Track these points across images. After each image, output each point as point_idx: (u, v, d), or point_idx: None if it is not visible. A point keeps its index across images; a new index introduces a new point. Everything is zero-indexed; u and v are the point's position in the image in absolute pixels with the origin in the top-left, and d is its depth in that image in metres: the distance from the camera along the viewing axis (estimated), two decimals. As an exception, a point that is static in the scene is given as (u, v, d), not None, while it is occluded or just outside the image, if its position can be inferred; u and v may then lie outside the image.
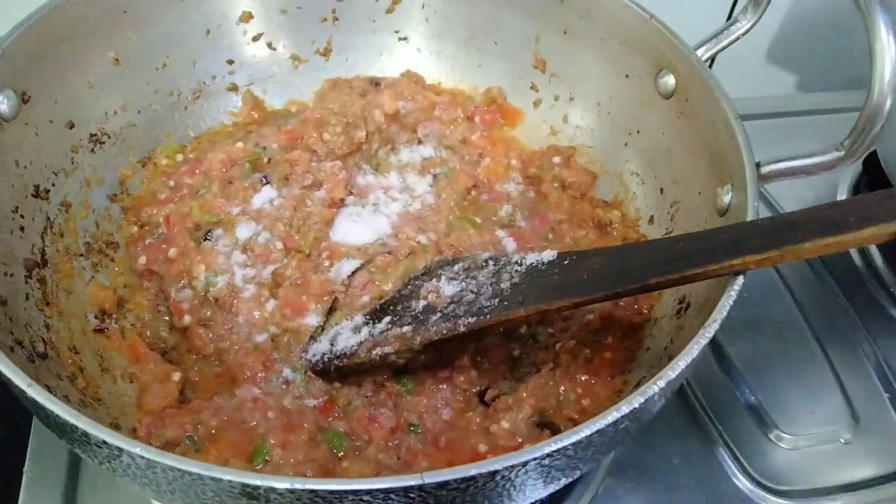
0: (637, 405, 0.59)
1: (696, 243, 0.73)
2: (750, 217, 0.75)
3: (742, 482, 0.98)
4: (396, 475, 0.75)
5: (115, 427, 0.78)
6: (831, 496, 0.98)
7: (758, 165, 0.80)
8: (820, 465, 1.00)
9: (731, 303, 0.67)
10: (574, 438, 0.56)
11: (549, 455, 0.56)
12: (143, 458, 0.54)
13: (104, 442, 0.55)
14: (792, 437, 1.02)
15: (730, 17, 1.40)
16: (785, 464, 1.00)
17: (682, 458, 1.00)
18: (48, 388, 0.70)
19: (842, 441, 1.02)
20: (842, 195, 1.32)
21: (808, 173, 0.80)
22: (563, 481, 0.65)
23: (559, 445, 0.56)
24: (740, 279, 0.69)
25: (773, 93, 1.66)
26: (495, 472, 0.55)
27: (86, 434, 0.55)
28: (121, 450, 0.55)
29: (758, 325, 1.13)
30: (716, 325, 0.65)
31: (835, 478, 0.99)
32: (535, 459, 0.56)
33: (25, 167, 0.87)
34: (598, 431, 0.58)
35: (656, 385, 0.61)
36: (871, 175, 1.31)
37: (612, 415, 0.58)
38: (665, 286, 0.71)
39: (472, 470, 0.54)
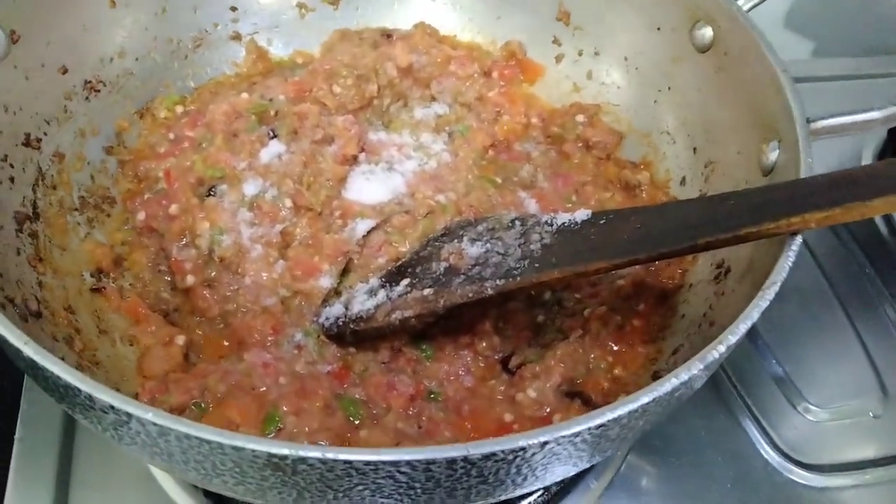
0: (697, 371, 0.54)
1: (749, 200, 0.68)
2: (803, 174, 0.70)
3: (770, 455, 0.94)
4: (418, 445, 0.71)
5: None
6: (860, 470, 0.95)
7: (808, 121, 0.75)
8: (848, 439, 0.97)
9: (790, 264, 0.62)
10: (630, 407, 0.52)
11: (601, 425, 0.51)
12: (155, 424, 0.48)
13: (111, 407, 0.49)
14: (820, 409, 0.99)
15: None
16: (813, 437, 0.97)
17: (709, 430, 0.96)
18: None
19: (871, 414, 0.99)
20: (866, 160, 1.27)
21: (862, 129, 0.75)
22: (609, 453, 0.60)
23: (614, 415, 0.51)
24: (798, 239, 0.64)
25: (790, 58, 1.60)
26: (545, 443, 0.50)
27: (90, 398, 0.49)
28: (130, 415, 0.49)
29: (784, 294, 1.07)
30: (775, 288, 0.61)
31: (863, 452, 0.96)
32: (587, 429, 0.51)
33: (14, 113, 0.80)
34: (654, 400, 0.53)
35: (716, 350, 0.56)
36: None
37: (670, 381, 0.53)
38: (715, 246, 0.66)
39: (520, 440, 0.49)
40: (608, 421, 0.51)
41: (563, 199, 0.97)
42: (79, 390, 0.50)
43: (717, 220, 0.67)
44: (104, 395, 0.49)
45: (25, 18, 0.80)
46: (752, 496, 0.90)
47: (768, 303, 0.60)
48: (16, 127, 0.81)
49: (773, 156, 0.78)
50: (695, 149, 0.94)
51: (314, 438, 0.71)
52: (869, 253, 1.15)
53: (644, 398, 0.52)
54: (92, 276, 0.83)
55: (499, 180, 0.98)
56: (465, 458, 0.48)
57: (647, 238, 0.70)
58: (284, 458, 0.48)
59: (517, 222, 0.82)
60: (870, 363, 1.03)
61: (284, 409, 0.73)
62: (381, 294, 0.81)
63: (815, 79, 1.45)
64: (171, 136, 0.95)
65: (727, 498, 0.90)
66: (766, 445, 0.95)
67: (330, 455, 0.47)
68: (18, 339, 0.52)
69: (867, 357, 1.04)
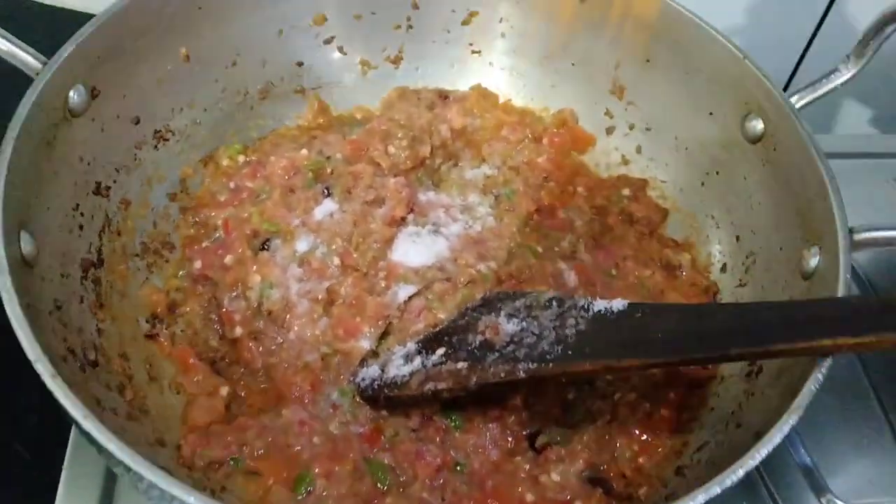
0: (713, 495, 0.56)
1: (784, 314, 0.69)
2: (841, 290, 0.71)
3: (790, 549, 0.94)
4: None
5: (160, 443, 0.76)
6: (884, 572, 0.94)
7: (851, 231, 0.75)
8: (872, 538, 0.96)
9: (817, 388, 0.63)
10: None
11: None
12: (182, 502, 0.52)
13: (153, 484, 0.53)
14: (844, 504, 0.98)
15: (803, 54, 1.35)
16: (835, 533, 0.96)
17: (731, 517, 0.96)
18: (97, 401, 0.70)
19: (898, 512, 0.98)
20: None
21: (907, 246, 0.75)
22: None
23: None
24: (828, 361, 0.65)
25: (850, 131, 1.59)
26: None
27: (126, 466, 0.53)
28: (162, 490, 0.53)
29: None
30: (800, 412, 0.62)
31: (888, 553, 0.95)
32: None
33: (89, 164, 0.85)
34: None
35: (734, 474, 0.57)
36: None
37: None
38: (746, 358, 0.68)
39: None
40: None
41: (603, 273, 0.98)
42: (118, 459, 0.54)
43: (752, 331, 0.68)
44: (140, 468, 0.53)
45: (105, 75, 0.85)
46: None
47: (792, 426, 0.61)
48: (89, 176, 0.85)
49: (813, 262, 0.78)
50: (738, 237, 0.94)
51: (342, 503, 0.74)
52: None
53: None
54: (147, 321, 0.87)
55: (540, 249, 1.00)
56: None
57: (681, 340, 0.71)
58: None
59: (554, 302, 0.84)
60: (901, 458, 1.02)
61: (316, 470, 0.77)
62: (417, 360, 0.84)
63: (879, 155, 1.42)
64: (232, 185, 0.99)
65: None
66: (788, 538, 0.94)
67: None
68: (79, 413, 0.56)
69: (900, 452, 1.03)
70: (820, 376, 0.64)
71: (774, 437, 0.60)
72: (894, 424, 1.05)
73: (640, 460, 0.80)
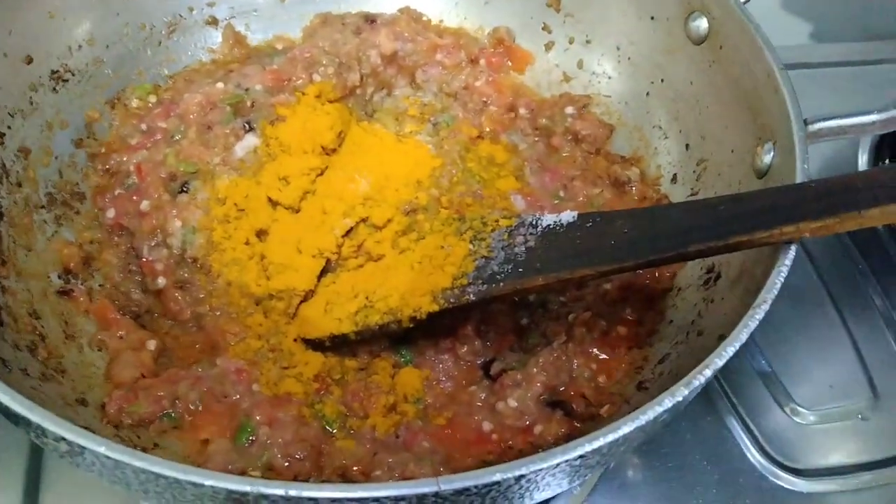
0: (681, 398, 0.52)
1: (741, 206, 0.65)
2: (799, 180, 0.67)
3: (756, 458, 0.92)
4: (395, 458, 0.69)
5: (82, 403, 0.69)
6: (849, 475, 0.93)
7: (805, 122, 0.72)
8: (836, 442, 0.95)
9: (782, 279, 0.60)
10: (610, 438, 0.49)
11: (581, 456, 0.49)
12: (108, 458, 0.45)
13: (63, 438, 0.46)
14: (808, 411, 0.97)
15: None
16: (801, 439, 0.95)
17: (694, 433, 0.94)
18: (3, 362, 0.63)
19: (860, 417, 0.97)
20: (863, 155, 1.24)
21: (861, 133, 0.72)
22: (588, 477, 0.58)
23: (594, 446, 0.49)
24: (792, 250, 0.62)
25: (787, 43, 1.56)
26: (521, 476, 0.48)
27: (41, 428, 0.47)
28: (83, 448, 0.46)
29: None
30: (766, 306, 0.58)
31: (852, 455, 0.94)
32: (566, 461, 0.48)
33: (-25, 107, 0.77)
34: (637, 428, 0.50)
35: (702, 375, 0.53)
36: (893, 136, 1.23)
37: (653, 409, 0.51)
38: (706, 254, 0.64)
39: (495, 474, 0.47)
40: (588, 452, 0.49)
41: (551, 195, 0.94)
42: (29, 420, 0.47)
43: (708, 226, 0.64)
44: (55, 427, 0.46)
45: (-16, 7, 0.76)
46: (737, 502, 0.89)
47: (758, 322, 0.57)
48: (-24, 122, 0.77)
49: (767, 158, 0.75)
50: (687, 145, 0.91)
51: (289, 451, 0.69)
52: (864, 249, 1.12)
53: (625, 427, 0.50)
54: (59, 277, 0.80)
55: (484, 175, 0.95)
56: (436, 494, 0.46)
57: (635, 244, 0.67)
58: (245, 494, 0.45)
59: (501, 222, 0.79)
60: (861, 364, 1.01)
61: (258, 418, 0.71)
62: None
63: (813, 65, 1.41)
64: (144, 127, 0.91)
65: (712, 503, 0.88)
66: (752, 448, 0.93)
67: (293, 492, 0.45)
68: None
69: (858, 357, 1.02)
70: (785, 267, 0.60)
71: (741, 335, 0.56)
72: (852, 331, 1.04)
73: (600, 379, 0.77)
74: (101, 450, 0.45)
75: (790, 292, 1.05)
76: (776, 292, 0.59)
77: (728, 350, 0.55)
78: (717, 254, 0.63)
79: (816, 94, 0.97)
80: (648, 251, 0.66)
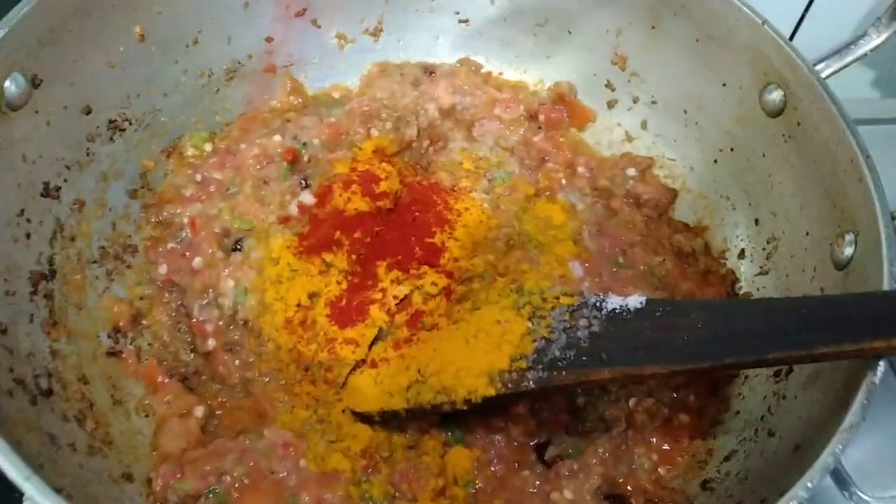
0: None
1: (827, 311, 0.61)
2: (885, 284, 0.63)
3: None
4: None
5: (128, 478, 0.68)
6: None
7: (893, 217, 0.68)
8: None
9: (868, 400, 0.56)
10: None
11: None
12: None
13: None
14: (871, 499, 0.92)
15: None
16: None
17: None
18: (52, 438, 0.61)
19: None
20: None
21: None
22: None
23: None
24: (881, 367, 0.58)
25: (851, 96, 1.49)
26: None
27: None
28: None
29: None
30: (854, 430, 0.54)
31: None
32: None
33: (34, 162, 0.76)
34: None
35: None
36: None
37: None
38: (786, 363, 0.60)
39: None
40: None
41: (610, 262, 0.90)
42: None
43: (791, 331, 0.60)
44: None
45: (49, 61, 0.75)
46: None
47: (841, 452, 0.53)
48: (34, 176, 0.76)
49: (848, 251, 0.71)
50: (757, 220, 0.87)
51: (335, 535, 0.67)
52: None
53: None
54: (109, 336, 0.78)
55: (542, 239, 0.92)
56: None
57: (710, 343, 0.64)
58: None
59: (563, 300, 0.76)
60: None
61: (305, 498, 0.69)
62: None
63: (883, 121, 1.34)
64: (198, 177, 0.89)
65: None
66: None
67: None
68: (19, 475, 0.47)
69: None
70: (873, 384, 0.56)
71: (825, 460, 0.52)
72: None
73: (661, 472, 0.73)
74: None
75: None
76: (863, 413, 0.55)
77: (814, 477, 0.51)
78: (799, 363, 0.60)
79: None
80: (724, 353, 0.62)
